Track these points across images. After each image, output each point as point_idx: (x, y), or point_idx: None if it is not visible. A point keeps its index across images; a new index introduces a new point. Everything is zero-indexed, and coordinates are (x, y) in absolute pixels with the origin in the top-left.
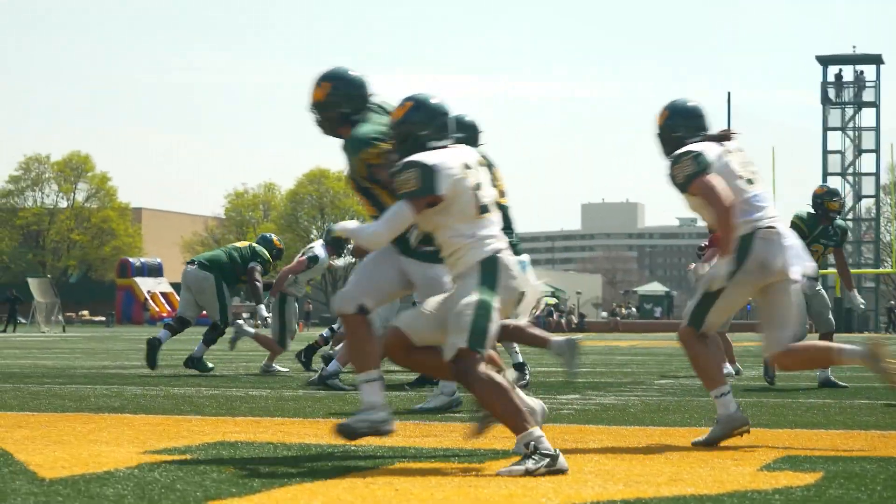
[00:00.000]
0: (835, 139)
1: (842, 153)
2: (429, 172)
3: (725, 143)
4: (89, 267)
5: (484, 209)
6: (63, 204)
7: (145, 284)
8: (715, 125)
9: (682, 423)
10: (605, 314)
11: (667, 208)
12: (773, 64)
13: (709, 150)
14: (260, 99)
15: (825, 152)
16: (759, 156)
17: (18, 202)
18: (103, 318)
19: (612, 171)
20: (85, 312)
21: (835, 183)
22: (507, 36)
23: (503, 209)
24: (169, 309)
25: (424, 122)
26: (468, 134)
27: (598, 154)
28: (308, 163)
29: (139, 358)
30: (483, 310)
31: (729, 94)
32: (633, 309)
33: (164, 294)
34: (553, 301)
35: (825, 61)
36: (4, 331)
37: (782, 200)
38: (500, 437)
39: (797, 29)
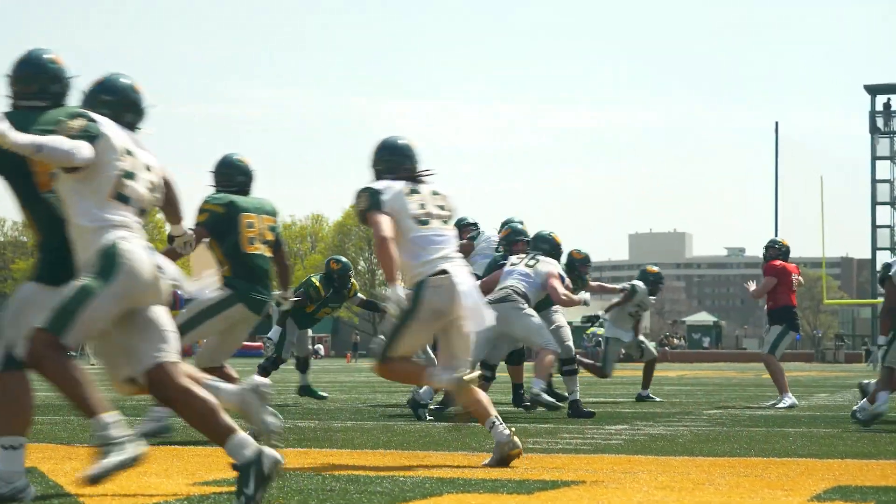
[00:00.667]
0: (883, 168)
1: (891, 182)
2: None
3: (417, 183)
4: None
5: (121, 197)
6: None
7: None
8: (754, 154)
9: (732, 453)
10: (653, 344)
11: (714, 238)
12: (820, 93)
13: (389, 188)
14: (308, 131)
15: (874, 181)
16: (807, 185)
17: None
18: None
19: (659, 201)
20: None
21: (883, 213)
22: (555, 66)
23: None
24: None
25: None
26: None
27: (645, 184)
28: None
29: None
30: (80, 294)
31: (777, 123)
32: (681, 339)
33: None
34: (601, 332)
35: (873, 90)
36: None
37: (830, 230)
38: (548, 467)
39: (845, 58)
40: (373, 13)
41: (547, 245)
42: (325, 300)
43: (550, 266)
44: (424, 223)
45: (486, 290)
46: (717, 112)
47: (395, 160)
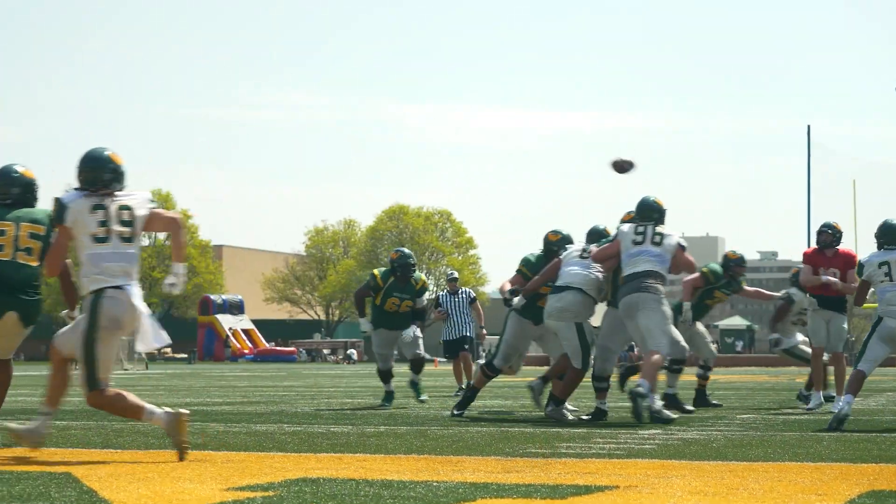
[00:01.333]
0: None
1: None
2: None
3: (100, 196)
4: (171, 304)
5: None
6: (144, 242)
7: (227, 321)
8: (786, 158)
9: (766, 458)
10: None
11: (747, 242)
12: (853, 97)
13: (73, 202)
14: (338, 135)
15: None
16: (840, 188)
17: None
18: (185, 355)
19: (691, 205)
20: (167, 350)
21: None
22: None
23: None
24: (250, 346)
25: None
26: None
27: (677, 188)
28: (387, 199)
29: (221, 395)
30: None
31: (809, 127)
32: (715, 343)
33: (245, 331)
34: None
35: None
36: None
37: (863, 234)
38: (581, 472)
39: (877, 61)
40: (402, 16)
41: (657, 214)
42: (387, 290)
43: (675, 237)
44: (101, 241)
45: (599, 259)
46: (749, 116)
47: (83, 173)
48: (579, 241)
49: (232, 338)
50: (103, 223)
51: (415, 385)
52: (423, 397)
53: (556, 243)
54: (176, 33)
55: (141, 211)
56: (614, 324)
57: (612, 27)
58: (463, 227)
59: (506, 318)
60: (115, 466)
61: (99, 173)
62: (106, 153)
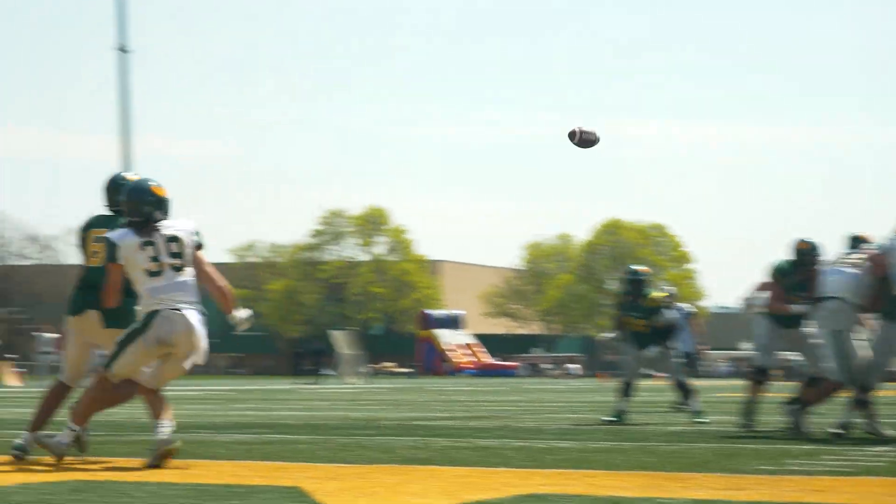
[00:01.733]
0: None
1: None
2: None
3: (148, 232)
4: (391, 319)
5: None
6: (363, 257)
7: (445, 336)
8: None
9: None
10: None
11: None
12: None
13: (122, 240)
14: (553, 151)
15: None
16: None
17: (320, 256)
18: (407, 370)
19: (821, 219)
20: (389, 364)
21: None
22: (805, 80)
23: None
24: (471, 360)
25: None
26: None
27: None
28: (603, 213)
29: (444, 409)
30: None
31: None
32: None
33: (466, 345)
34: None
35: None
36: (315, 383)
37: None
38: (811, 490)
39: None
40: (614, 35)
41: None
42: (622, 308)
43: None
44: (154, 275)
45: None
46: (871, 126)
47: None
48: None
49: (451, 352)
50: (154, 259)
51: (686, 406)
52: (702, 419)
53: (807, 252)
54: (391, 51)
55: (189, 239)
56: (888, 337)
57: (729, 37)
58: (678, 241)
59: (754, 323)
60: (343, 481)
61: (141, 205)
62: (148, 184)
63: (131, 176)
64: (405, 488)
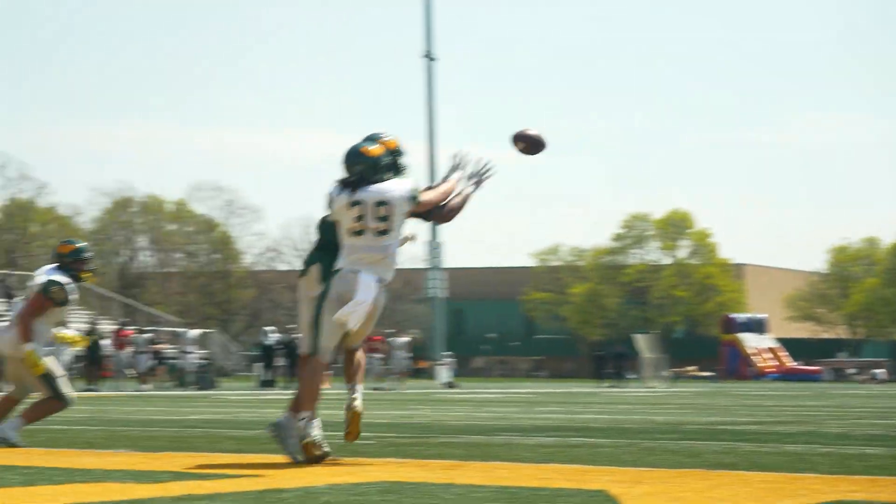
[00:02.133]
0: None
1: None
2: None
3: (358, 192)
4: (693, 322)
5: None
6: (666, 261)
7: (749, 340)
8: None
9: None
10: None
11: None
12: None
13: (336, 196)
14: (862, 154)
15: None
16: None
17: (622, 260)
18: (709, 374)
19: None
20: (692, 367)
21: None
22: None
23: None
24: (775, 364)
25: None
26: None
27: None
28: None
29: (748, 413)
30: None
31: None
32: None
33: (769, 349)
34: None
35: None
36: (613, 386)
37: None
38: None
39: None
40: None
41: None
42: None
43: None
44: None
45: None
46: None
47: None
48: None
49: (755, 356)
50: (359, 218)
51: None
52: None
53: None
54: (695, 55)
55: (399, 205)
56: None
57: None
58: None
59: None
60: (650, 486)
61: (352, 167)
62: (359, 146)
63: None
64: (713, 493)
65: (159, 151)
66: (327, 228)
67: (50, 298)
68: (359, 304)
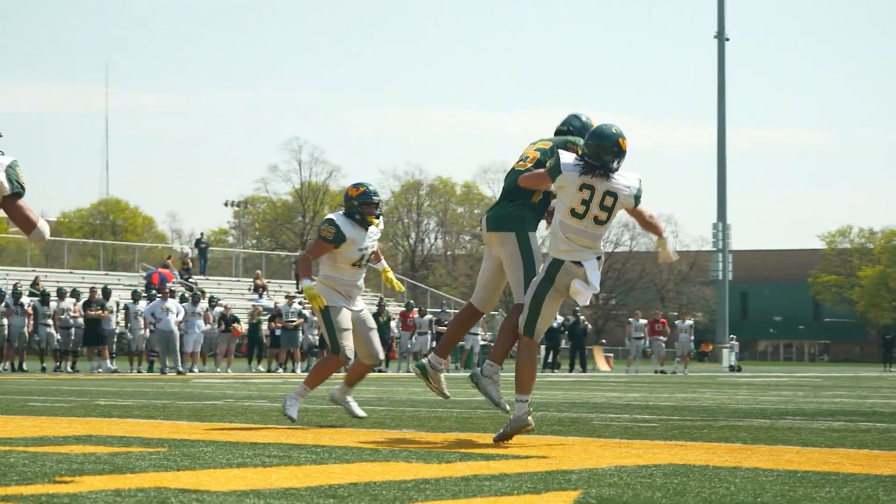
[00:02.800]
0: None
1: None
2: None
3: (593, 177)
4: None
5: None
6: None
7: None
8: None
9: None
10: None
11: None
12: None
13: (571, 169)
14: None
15: None
16: None
17: None
18: None
19: None
20: None
21: None
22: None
23: None
24: None
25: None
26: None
27: None
28: None
29: None
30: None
31: None
32: None
33: None
34: None
35: None
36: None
37: None
38: None
39: None
40: None
41: None
42: None
43: None
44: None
45: None
46: None
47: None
48: None
49: None
50: (585, 202)
51: None
52: None
53: None
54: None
55: (625, 200)
56: None
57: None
58: None
59: None
60: None
61: (601, 152)
62: (618, 136)
63: (589, 119)
64: None
65: (448, 134)
66: (514, 178)
67: (322, 237)
68: (591, 289)
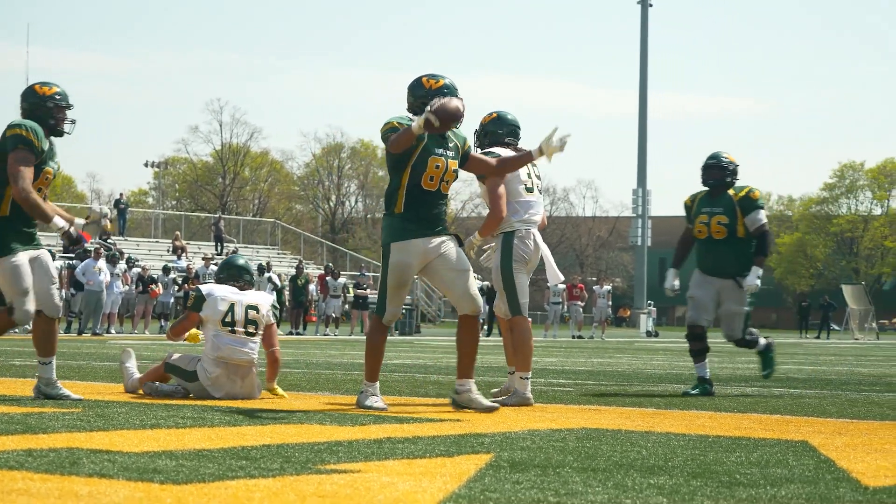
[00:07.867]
0: None
1: None
2: None
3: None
4: None
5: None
6: (877, 211)
7: None
8: None
9: None
10: None
11: None
12: None
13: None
14: None
15: None
16: None
17: (832, 209)
18: None
19: None
20: None
21: None
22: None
23: None
24: None
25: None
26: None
27: None
28: None
29: None
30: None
31: None
32: None
33: None
34: None
35: None
36: (818, 337)
37: None
38: None
39: None
40: None
41: None
42: None
43: None
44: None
45: None
46: None
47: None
48: None
49: None
50: (529, 175)
51: None
52: None
53: None
54: None
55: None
56: None
57: None
58: None
59: None
60: (851, 437)
61: (514, 133)
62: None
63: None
64: None
65: (370, 97)
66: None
67: None
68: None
